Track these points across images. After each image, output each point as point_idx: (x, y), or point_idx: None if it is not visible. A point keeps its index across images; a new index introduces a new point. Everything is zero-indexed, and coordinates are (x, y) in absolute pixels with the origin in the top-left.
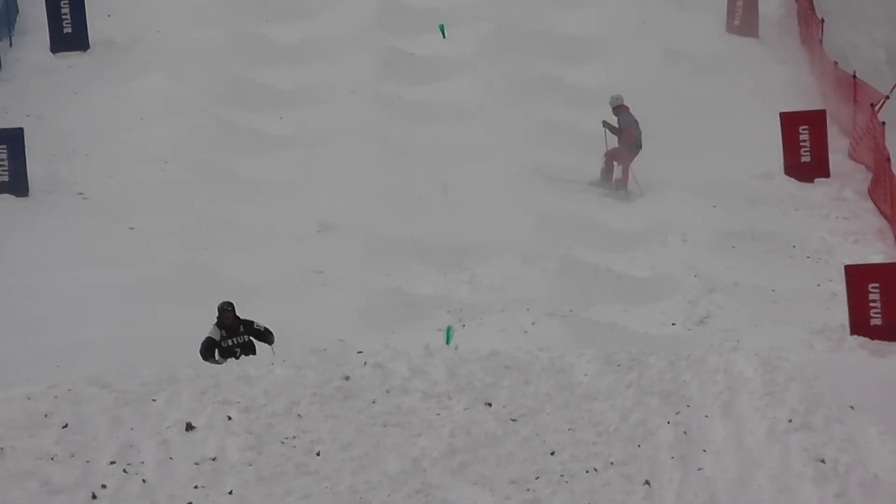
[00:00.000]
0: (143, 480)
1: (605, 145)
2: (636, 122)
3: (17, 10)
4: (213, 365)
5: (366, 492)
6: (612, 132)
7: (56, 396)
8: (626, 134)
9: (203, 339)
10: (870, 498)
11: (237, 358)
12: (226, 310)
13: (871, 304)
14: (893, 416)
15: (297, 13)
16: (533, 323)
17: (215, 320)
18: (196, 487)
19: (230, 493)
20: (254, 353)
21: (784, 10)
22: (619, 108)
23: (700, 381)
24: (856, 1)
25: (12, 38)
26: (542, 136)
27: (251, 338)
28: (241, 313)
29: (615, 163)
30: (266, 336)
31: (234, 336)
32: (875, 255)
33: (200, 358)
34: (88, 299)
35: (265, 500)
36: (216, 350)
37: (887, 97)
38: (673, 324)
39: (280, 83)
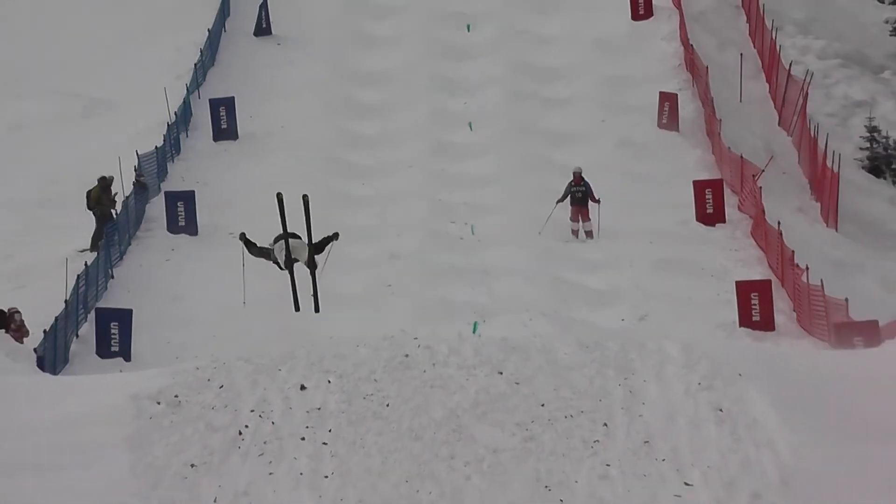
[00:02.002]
0: (272, 423)
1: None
2: (569, 185)
3: (191, 113)
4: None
5: (419, 430)
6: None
7: (215, 367)
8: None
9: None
10: (751, 433)
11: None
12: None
13: (753, 307)
14: (768, 380)
15: (375, 114)
16: (531, 319)
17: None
18: (307, 427)
19: (329, 431)
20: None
21: (695, 113)
22: (576, 176)
23: (641, 358)
24: (741, 109)
25: (188, 132)
26: (540, 196)
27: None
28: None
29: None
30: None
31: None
32: (755, 275)
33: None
34: (237, 304)
35: (353, 436)
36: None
37: (763, 171)
38: (623, 320)
39: (363, 161)
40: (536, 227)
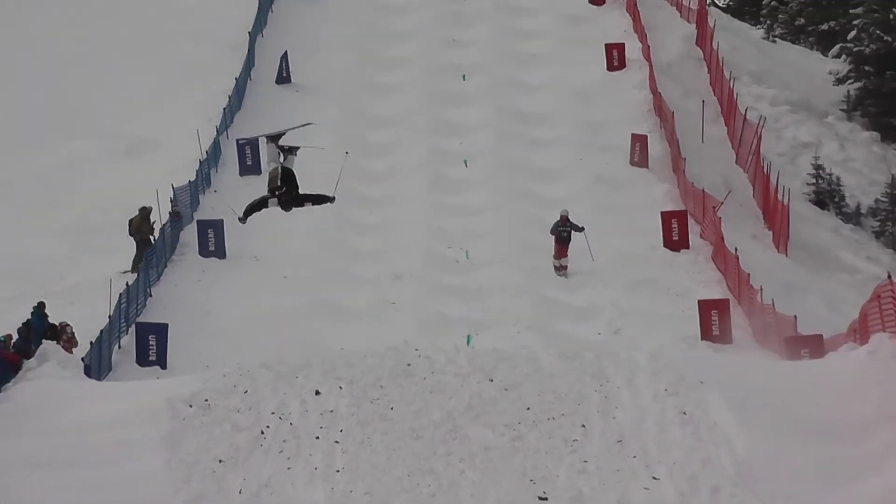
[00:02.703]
0: (290, 424)
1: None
2: (556, 224)
3: (220, 151)
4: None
5: (420, 430)
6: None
7: (240, 375)
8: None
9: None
10: (711, 433)
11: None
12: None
13: (713, 322)
14: (726, 387)
15: (382, 152)
16: (518, 332)
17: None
18: (321, 428)
19: (341, 431)
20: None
21: (663, 152)
22: (563, 217)
23: (615, 367)
24: (703, 149)
25: (218, 167)
26: (526, 224)
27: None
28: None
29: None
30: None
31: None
32: (715, 294)
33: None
34: (261, 317)
35: (361, 436)
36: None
37: (722, 203)
38: (599, 333)
39: (372, 193)
40: (523, 251)
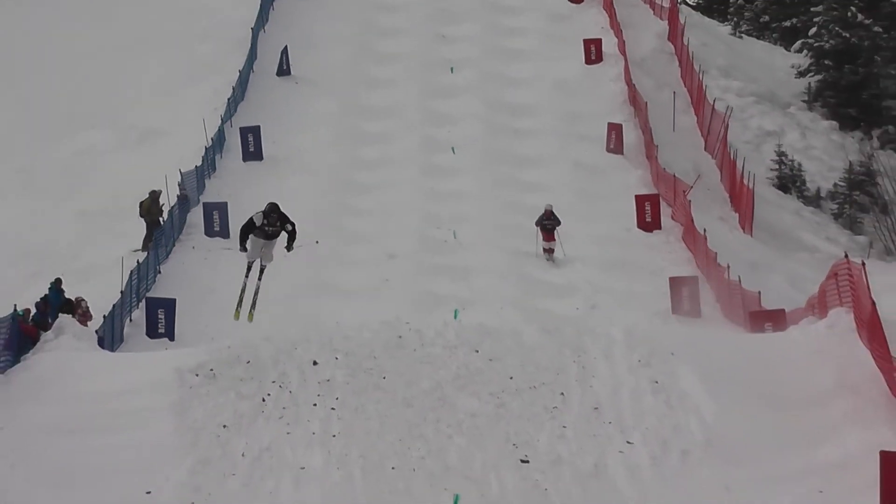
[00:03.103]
0: (290, 392)
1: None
2: (541, 217)
3: (225, 139)
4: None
5: (411, 399)
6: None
7: (244, 346)
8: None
9: (248, 220)
10: (681, 401)
11: (266, 238)
12: (273, 209)
13: (683, 298)
14: (695, 358)
15: (377, 141)
16: (502, 308)
17: (262, 210)
18: (318, 396)
19: (336, 399)
20: (277, 236)
21: (637, 140)
22: (547, 211)
23: (592, 340)
24: (674, 137)
25: (222, 154)
26: (510, 208)
27: (282, 228)
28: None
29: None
30: (291, 234)
31: (271, 225)
32: (685, 272)
33: (240, 231)
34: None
35: (356, 403)
36: (252, 232)
37: (691, 187)
38: (577, 309)
39: (366, 179)
40: (507, 233)
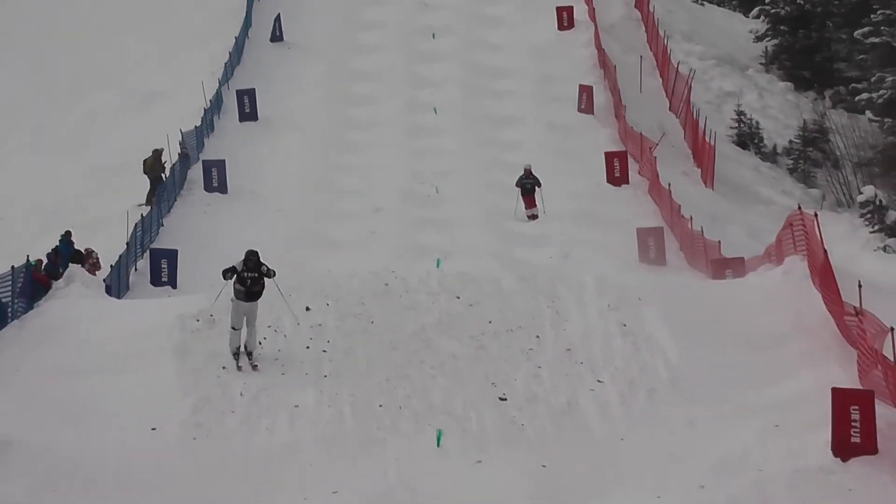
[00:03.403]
0: (284, 336)
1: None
2: (525, 176)
3: (223, 101)
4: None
5: (397, 342)
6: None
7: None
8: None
9: (230, 266)
10: (648, 343)
11: (245, 287)
12: (250, 256)
13: (649, 247)
14: (660, 303)
15: (364, 103)
16: (481, 257)
17: (242, 257)
18: (311, 339)
19: (328, 342)
20: (262, 284)
21: (606, 101)
22: (526, 171)
23: (565, 286)
24: (641, 98)
25: (220, 115)
26: (488, 165)
27: (260, 273)
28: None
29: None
30: (269, 273)
31: (250, 271)
32: (651, 223)
33: (222, 273)
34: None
35: (345, 346)
36: (234, 275)
37: (657, 144)
38: (551, 258)
39: (355, 138)
40: (486, 188)
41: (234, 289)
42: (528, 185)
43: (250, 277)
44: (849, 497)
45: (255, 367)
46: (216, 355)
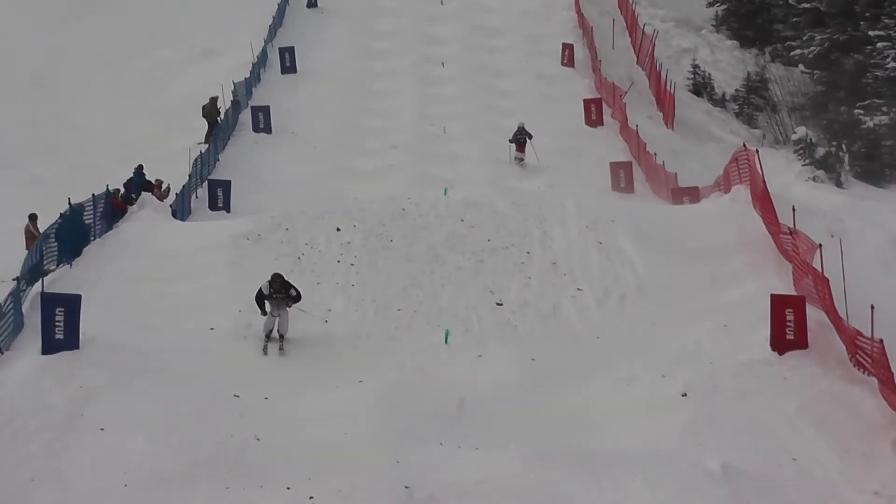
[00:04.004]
0: (319, 251)
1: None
2: (517, 132)
3: (267, 56)
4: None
5: (411, 257)
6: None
7: (283, 216)
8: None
9: (258, 289)
10: (619, 257)
11: (277, 306)
12: (275, 279)
13: (620, 178)
14: (630, 224)
15: (383, 57)
16: (480, 187)
17: (268, 280)
18: (340, 255)
19: (355, 257)
20: (289, 305)
21: (584, 56)
22: (520, 128)
23: (550, 211)
24: (613, 54)
25: (265, 68)
26: (486, 110)
27: (287, 295)
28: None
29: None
30: (296, 299)
31: (277, 293)
32: (622, 158)
33: (255, 301)
34: (298, 176)
35: (369, 260)
36: (264, 299)
37: (626, 92)
38: (539, 187)
39: (375, 87)
40: (484, 129)
41: (264, 308)
42: (521, 140)
43: (277, 298)
44: (784, 384)
45: (281, 351)
46: (262, 267)
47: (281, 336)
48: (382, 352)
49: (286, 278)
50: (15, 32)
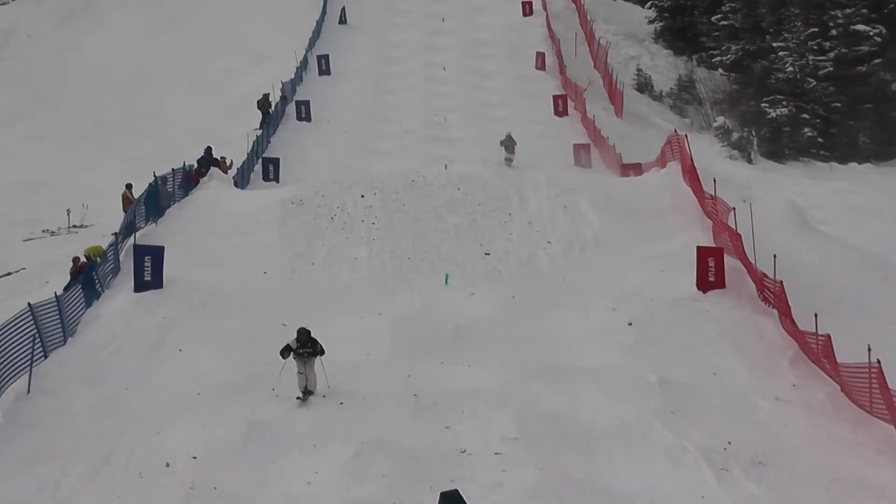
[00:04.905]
0: (348, 213)
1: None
2: (506, 139)
3: (308, 62)
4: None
5: (419, 216)
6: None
7: (320, 186)
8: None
9: (286, 344)
10: (580, 218)
11: (304, 359)
12: (301, 332)
13: (581, 156)
14: (589, 191)
15: (398, 63)
16: (473, 163)
17: (295, 335)
18: (364, 215)
19: (376, 217)
20: (314, 356)
21: (554, 61)
22: (508, 136)
23: (526, 182)
24: (576, 60)
25: (306, 71)
26: (477, 104)
27: (313, 349)
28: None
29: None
30: (321, 352)
31: (303, 347)
32: (582, 140)
33: (280, 354)
34: (331, 155)
35: (387, 220)
36: (291, 352)
37: (585, 89)
38: (517, 163)
39: (392, 85)
40: (476, 118)
41: (285, 354)
42: (508, 146)
43: (304, 352)
44: (707, 315)
45: (302, 400)
46: (304, 225)
47: (310, 392)
48: (397, 290)
49: (312, 334)
50: (118, 46)
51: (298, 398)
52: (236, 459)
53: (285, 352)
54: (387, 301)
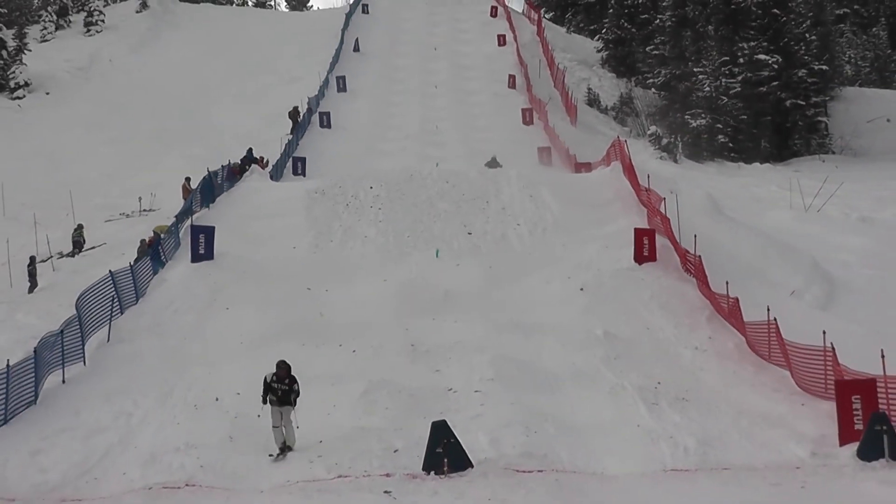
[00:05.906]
0: (359, 200)
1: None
2: (491, 161)
3: (328, 81)
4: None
5: (416, 203)
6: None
7: (338, 179)
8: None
9: (264, 377)
10: (543, 205)
11: (277, 396)
12: (281, 365)
13: (545, 157)
14: (550, 184)
15: (400, 84)
16: (459, 162)
17: (275, 368)
18: (373, 202)
19: (381, 204)
20: (290, 398)
21: (523, 82)
22: (493, 159)
23: (501, 177)
24: (540, 81)
25: (327, 89)
26: (464, 116)
27: (290, 388)
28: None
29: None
30: (295, 396)
31: (280, 382)
32: (545, 145)
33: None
34: (346, 155)
35: (391, 206)
36: (269, 391)
37: (546, 104)
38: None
39: (396, 100)
40: (462, 127)
41: (269, 399)
42: (495, 164)
43: (281, 389)
44: (642, 283)
45: (279, 455)
46: (325, 210)
47: (289, 448)
48: (399, 262)
49: (291, 371)
50: (178, 67)
51: (271, 455)
52: None
53: (265, 393)
54: (390, 270)
